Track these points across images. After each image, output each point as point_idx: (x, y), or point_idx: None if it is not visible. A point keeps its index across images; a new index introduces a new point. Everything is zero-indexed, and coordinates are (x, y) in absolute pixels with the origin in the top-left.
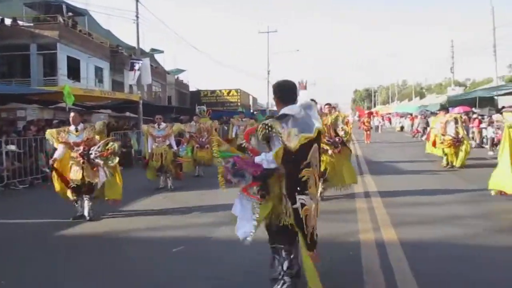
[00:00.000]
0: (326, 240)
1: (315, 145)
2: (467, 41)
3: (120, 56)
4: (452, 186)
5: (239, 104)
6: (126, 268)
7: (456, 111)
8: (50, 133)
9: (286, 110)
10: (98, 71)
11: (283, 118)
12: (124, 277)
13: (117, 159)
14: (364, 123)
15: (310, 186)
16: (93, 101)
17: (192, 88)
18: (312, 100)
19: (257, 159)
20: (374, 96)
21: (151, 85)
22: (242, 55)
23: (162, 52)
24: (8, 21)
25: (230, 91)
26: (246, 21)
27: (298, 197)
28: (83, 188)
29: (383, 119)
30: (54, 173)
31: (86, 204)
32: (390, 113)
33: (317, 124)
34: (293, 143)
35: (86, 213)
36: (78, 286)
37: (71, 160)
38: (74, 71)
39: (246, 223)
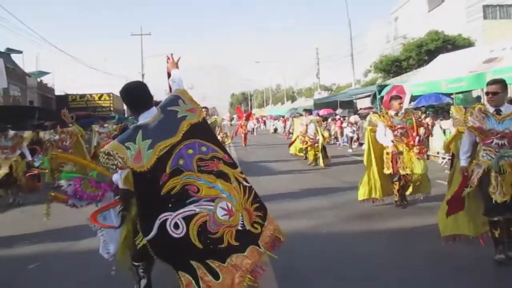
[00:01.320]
0: None
1: (188, 142)
2: (331, 48)
3: None
4: (313, 182)
5: (112, 108)
6: None
7: (321, 114)
8: None
9: (141, 118)
10: None
11: (128, 135)
12: None
13: None
14: (241, 126)
15: (198, 191)
16: None
17: (59, 92)
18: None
19: (114, 177)
20: (251, 99)
21: (8, 89)
22: (116, 58)
23: (20, 52)
24: None
25: (102, 95)
26: (120, 23)
27: (175, 213)
28: None
29: (258, 122)
30: None
31: None
32: (264, 116)
33: (191, 117)
34: (145, 161)
35: None
36: None
37: None
38: None
39: (109, 244)
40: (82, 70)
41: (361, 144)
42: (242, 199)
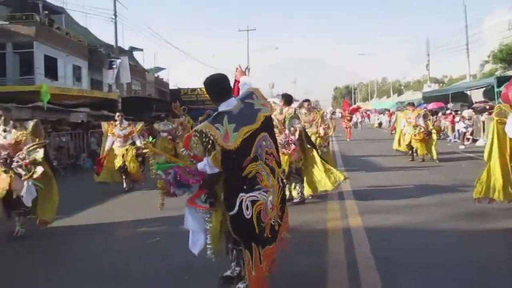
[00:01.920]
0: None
1: (263, 134)
2: (443, 39)
3: (98, 55)
4: (420, 177)
5: None
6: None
7: (430, 107)
8: None
9: (222, 107)
10: (76, 70)
11: (216, 118)
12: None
13: (41, 169)
14: (345, 120)
15: (262, 180)
16: (70, 100)
17: (172, 86)
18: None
19: (200, 165)
20: (354, 93)
21: (130, 84)
22: (223, 53)
23: (141, 50)
24: None
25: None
26: (228, 20)
27: (247, 195)
28: (11, 202)
29: (362, 116)
30: None
31: (16, 220)
32: (369, 110)
33: (264, 110)
34: (233, 142)
35: (14, 233)
36: None
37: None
38: (51, 70)
39: (200, 235)
40: (193, 65)
41: (474, 141)
42: (277, 197)
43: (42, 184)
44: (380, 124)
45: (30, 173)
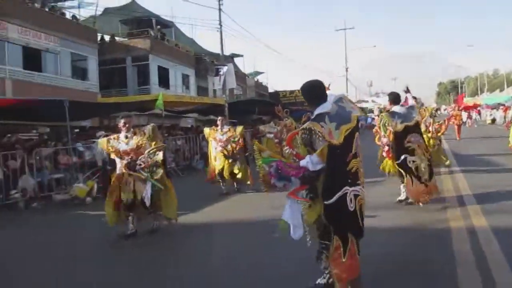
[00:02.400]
0: (416, 228)
1: (357, 133)
2: None
3: (203, 63)
4: None
5: None
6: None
7: None
8: (101, 143)
9: (319, 109)
10: (185, 78)
11: (319, 117)
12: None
13: (161, 170)
14: (455, 117)
15: (360, 176)
16: (182, 107)
17: (271, 89)
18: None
19: (302, 162)
20: (461, 88)
21: (232, 89)
22: (319, 53)
23: (241, 56)
24: (107, 38)
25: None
26: (322, 20)
27: (351, 189)
28: (135, 205)
29: (472, 112)
30: (110, 190)
31: (130, 220)
32: (479, 105)
33: (355, 112)
34: (337, 138)
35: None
36: None
37: (124, 171)
38: (164, 79)
39: (298, 227)
40: (290, 67)
41: None
42: None
43: (162, 185)
44: (493, 120)
45: (152, 174)
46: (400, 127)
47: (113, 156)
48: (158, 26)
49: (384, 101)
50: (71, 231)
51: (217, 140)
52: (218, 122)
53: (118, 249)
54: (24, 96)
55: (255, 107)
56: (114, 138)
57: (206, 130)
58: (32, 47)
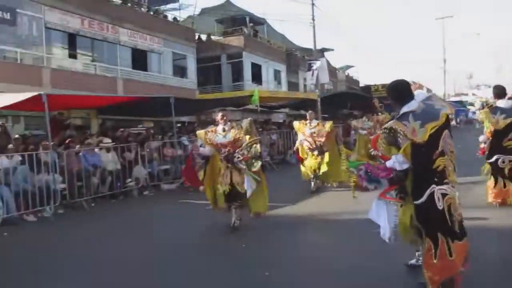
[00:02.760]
0: None
1: (446, 131)
2: None
3: (294, 58)
4: None
5: None
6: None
7: None
8: (199, 134)
9: (404, 108)
10: (277, 74)
11: (403, 116)
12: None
13: (259, 163)
14: None
15: (448, 175)
16: (275, 102)
17: (362, 83)
18: None
19: (389, 163)
20: None
21: (323, 83)
22: (416, 45)
23: (332, 50)
24: (203, 37)
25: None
26: (418, 7)
27: (437, 187)
28: (234, 195)
29: None
30: (205, 179)
31: (233, 212)
32: None
33: (444, 109)
34: (420, 136)
35: (231, 223)
36: None
37: (220, 164)
38: (256, 76)
39: (385, 228)
40: (383, 60)
41: None
42: None
43: (258, 177)
44: None
45: (250, 167)
46: (502, 123)
47: (208, 147)
48: (251, 24)
49: (485, 94)
50: (181, 217)
51: (306, 135)
52: (308, 116)
53: (214, 238)
54: (133, 94)
55: (347, 101)
56: (211, 131)
57: (296, 124)
58: (139, 49)
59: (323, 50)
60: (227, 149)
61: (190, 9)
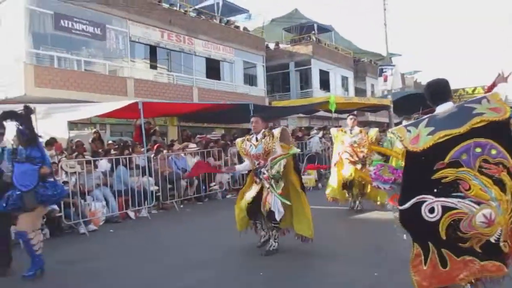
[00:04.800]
0: None
1: (479, 140)
2: None
3: (362, 64)
4: None
5: None
6: None
7: None
8: (237, 143)
9: (437, 109)
10: (344, 80)
11: (415, 122)
12: None
13: (282, 185)
14: None
15: (469, 189)
16: (348, 108)
17: None
18: None
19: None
20: None
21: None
22: (494, 43)
23: (400, 55)
24: (271, 45)
25: (475, 88)
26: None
27: (436, 199)
28: (260, 212)
29: None
30: (242, 190)
31: (270, 233)
32: None
33: (487, 115)
34: (421, 144)
35: (267, 246)
36: None
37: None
38: (324, 82)
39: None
40: (454, 62)
41: None
42: (508, 215)
43: (287, 200)
44: None
45: (274, 187)
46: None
47: (245, 158)
48: (312, 32)
49: None
50: None
51: (345, 144)
52: (349, 122)
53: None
54: (208, 102)
55: (419, 105)
56: (247, 140)
57: (334, 131)
58: (213, 58)
59: (391, 55)
60: (258, 162)
61: (259, 19)
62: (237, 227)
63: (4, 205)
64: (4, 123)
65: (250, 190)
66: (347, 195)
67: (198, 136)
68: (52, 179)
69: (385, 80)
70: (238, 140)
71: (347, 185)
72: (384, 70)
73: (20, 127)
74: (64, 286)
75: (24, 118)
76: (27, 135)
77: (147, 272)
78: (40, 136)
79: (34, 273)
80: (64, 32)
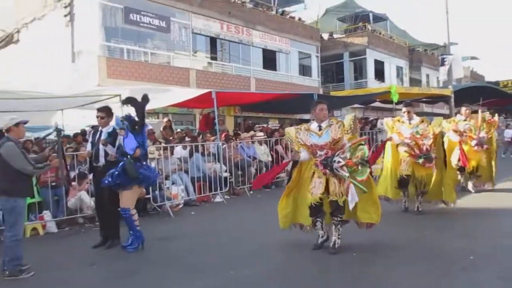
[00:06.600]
0: None
1: None
2: None
3: (417, 54)
4: None
5: None
6: None
7: None
8: (288, 133)
9: None
10: (399, 70)
11: None
12: None
13: (368, 170)
14: None
15: None
16: (409, 98)
17: (488, 79)
18: None
19: None
20: None
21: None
22: None
23: (456, 44)
24: (325, 36)
25: None
26: None
27: None
28: (324, 208)
29: None
30: (288, 185)
31: (334, 230)
32: None
33: None
34: None
35: (331, 242)
36: None
37: (314, 168)
38: (379, 73)
39: None
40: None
41: None
42: None
43: (365, 187)
44: None
45: (356, 174)
46: None
47: (298, 148)
48: (368, 21)
49: None
50: None
51: (403, 136)
52: (404, 112)
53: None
54: (264, 92)
55: (479, 96)
56: (305, 129)
57: (388, 122)
58: (269, 49)
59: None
60: (324, 152)
61: (315, 8)
62: (279, 224)
63: (110, 179)
64: (126, 106)
65: (313, 185)
66: (401, 194)
67: (257, 126)
68: (146, 163)
69: (446, 70)
70: (290, 130)
71: (403, 183)
72: (445, 59)
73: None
74: (158, 259)
75: (140, 105)
76: (135, 121)
77: (234, 251)
78: (146, 125)
79: (137, 246)
80: (133, 25)
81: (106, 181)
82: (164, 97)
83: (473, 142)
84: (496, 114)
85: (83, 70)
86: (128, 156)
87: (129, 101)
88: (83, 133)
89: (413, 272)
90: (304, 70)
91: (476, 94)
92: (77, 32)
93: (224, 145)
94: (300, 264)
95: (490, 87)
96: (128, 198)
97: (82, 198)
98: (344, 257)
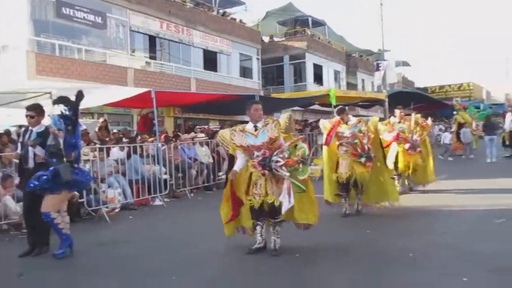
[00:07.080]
0: None
1: None
2: None
3: (353, 59)
4: None
5: (471, 98)
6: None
7: None
8: (222, 135)
9: None
10: (337, 74)
11: None
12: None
13: (309, 169)
14: None
15: None
16: (346, 101)
17: (418, 84)
18: None
19: None
20: None
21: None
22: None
23: (389, 51)
24: (266, 39)
25: (460, 85)
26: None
27: None
28: (264, 210)
29: None
30: (227, 190)
31: (271, 230)
32: None
33: None
34: None
35: (272, 244)
36: None
37: (251, 170)
38: (318, 76)
39: None
40: (442, 60)
41: None
42: None
43: (304, 186)
44: None
45: (297, 173)
46: None
47: (232, 151)
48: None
49: None
50: None
51: (342, 137)
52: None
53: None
54: (205, 93)
55: (410, 101)
56: (240, 130)
57: (325, 123)
58: (210, 50)
59: (380, 51)
60: (261, 152)
61: (255, 11)
62: (225, 231)
63: (37, 183)
64: (56, 106)
65: (254, 187)
66: (342, 200)
67: (198, 127)
68: (79, 166)
69: (380, 75)
70: (224, 132)
71: (344, 187)
72: (379, 65)
73: (67, 112)
74: (96, 266)
75: (74, 104)
76: (71, 121)
77: (176, 257)
78: (80, 125)
79: (64, 251)
80: (66, 20)
81: (32, 184)
82: (100, 95)
83: (407, 146)
84: (429, 118)
85: (9, 65)
86: (64, 159)
87: (62, 101)
88: (8, 133)
89: (356, 272)
90: (245, 72)
91: (408, 99)
92: (2, 25)
93: (164, 147)
94: (244, 267)
95: (420, 93)
96: (50, 202)
97: (7, 203)
98: (287, 259)
